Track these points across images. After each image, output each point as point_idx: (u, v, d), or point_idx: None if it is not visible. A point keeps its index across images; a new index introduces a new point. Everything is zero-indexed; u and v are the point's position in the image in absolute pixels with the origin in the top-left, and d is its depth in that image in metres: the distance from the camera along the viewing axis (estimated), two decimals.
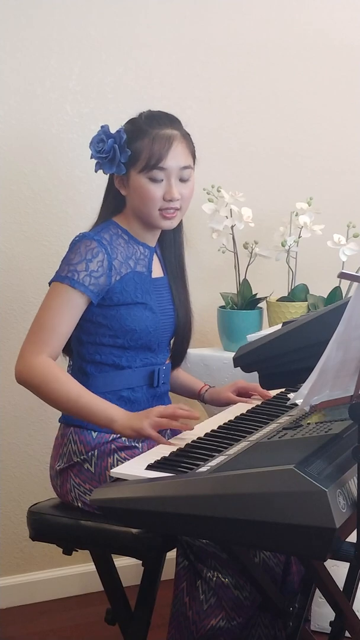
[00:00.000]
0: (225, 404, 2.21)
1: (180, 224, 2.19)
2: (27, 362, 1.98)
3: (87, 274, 1.99)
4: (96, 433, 2.04)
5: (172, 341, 2.22)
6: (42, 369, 1.96)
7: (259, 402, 2.12)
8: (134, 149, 2.03)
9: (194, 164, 2.11)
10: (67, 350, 2.16)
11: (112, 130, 2.08)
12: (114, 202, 2.13)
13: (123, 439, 2.05)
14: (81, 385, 1.99)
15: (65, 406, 1.97)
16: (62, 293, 2.00)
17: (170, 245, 2.21)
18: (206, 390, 2.29)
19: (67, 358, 2.18)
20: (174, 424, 1.85)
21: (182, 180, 2.06)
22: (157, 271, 2.17)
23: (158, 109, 2.13)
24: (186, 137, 2.09)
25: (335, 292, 2.69)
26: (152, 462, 1.64)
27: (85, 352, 2.08)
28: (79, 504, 2.03)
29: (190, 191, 2.09)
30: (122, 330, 2.05)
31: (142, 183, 2.04)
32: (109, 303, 2.04)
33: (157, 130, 2.04)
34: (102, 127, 2.09)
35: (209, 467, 1.51)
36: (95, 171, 2.11)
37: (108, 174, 2.14)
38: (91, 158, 2.11)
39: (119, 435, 2.04)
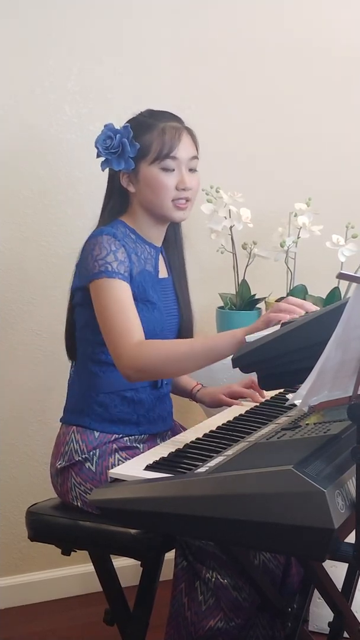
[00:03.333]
0: (217, 405, 2.21)
1: (179, 224, 2.20)
2: (128, 358, 1.92)
3: (118, 262, 1.98)
4: (98, 433, 2.04)
5: None
6: (145, 354, 1.91)
7: (251, 406, 2.11)
8: (142, 142, 2.05)
9: (198, 158, 2.13)
10: (72, 352, 2.16)
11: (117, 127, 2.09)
12: (118, 203, 2.13)
13: (125, 438, 2.05)
14: (182, 340, 2.02)
15: (191, 366, 1.93)
16: (107, 287, 1.97)
17: (173, 246, 2.22)
18: (198, 390, 2.28)
19: (71, 362, 2.18)
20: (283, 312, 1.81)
21: (191, 170, 2.09)
22: (162, 271, 2.17)
23: (158, 109, 2.14)
24: (190, 131, 2.12)
25: (334, 293, 2.69)
26: (151, 462, 1.64)
27: (91, 350, 2.07)
28: (79, 503, 2.03)
29: (198, 182, 2.12)
30: None
31: (154, 174, 2.05)
32: None
33: (164, 123, 2.07)
34: (106, 125, 2.09)
35: (207, 468, 1.51)
36: (102, 170, 2.11)
37: (108, 177, 2.14)
38: (97, 157, 2.10)
39: (120, 435, 2.05)
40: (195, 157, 2.10)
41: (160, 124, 2.07)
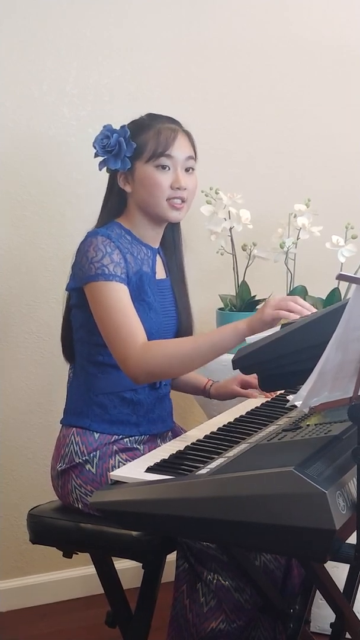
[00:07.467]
0: (231, 397, 2.22)
1: (178, 227, 2.20)
2: (135, 362, 1.93)
3: (114, 264, 1.99)
4: (98, 434, 2.04)
5: None
6: (151, 356, 1.93)
7: (265, 399, 2.13)
8: (139, 142, 2.07)
9: (195, 160, 2.13)
10: (69, 354, 2.16)
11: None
12: (116, 204, 2.14)
13: (125, 440, 2.05)
14: (185, 338, 2.01)
15: (197, 363, 1.95)
16: (106, 291, 1.97)
17: (172, 247, 2.22)
18: (211, 385, 2.29)
19: (69, 364, 2.18)
20: (293, 312, 1.82)
21: (187, 170, 2.09)
22: (160, 273, 2.17)
23: (155, 111, 2.15)
24: (188, 133, 2.13)
25: (334, 294, 2.69)
26: (152, 464, 1.64)
27: (88, 352, 2.08)
28: (80, 505, 2.03)
29: (195, 183, 2.12)
30: None
31: (149, 172, 2.06)
32: None
33: (160, 124, 2.09)
34: (104, 126, 2.12)
35: (208, 470, 1.50)
36: (100, 169, 2.12)
37: (109, 178, 2.15)
38: (95, 157, 2.11)
39: (120, 436, 2.05)
40: (192, 158, 2.11)
41: (156, 124, 2.09)
